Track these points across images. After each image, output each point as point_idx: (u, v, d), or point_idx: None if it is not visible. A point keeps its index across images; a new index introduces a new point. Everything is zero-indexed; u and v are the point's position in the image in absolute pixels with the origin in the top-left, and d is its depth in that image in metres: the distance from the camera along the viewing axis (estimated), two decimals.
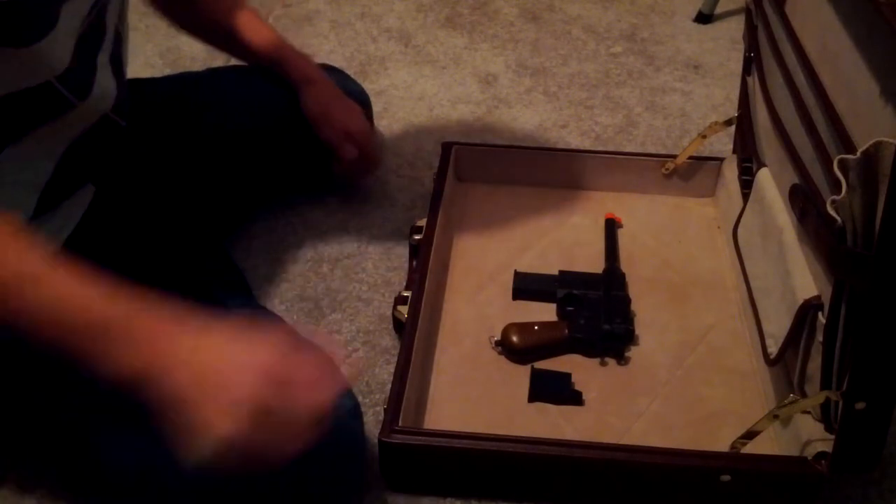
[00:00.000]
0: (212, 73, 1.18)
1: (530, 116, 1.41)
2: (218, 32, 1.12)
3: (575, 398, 0.90)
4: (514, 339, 0.95)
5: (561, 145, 1.33)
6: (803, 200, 0.80)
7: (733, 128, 1.15)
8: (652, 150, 1.33)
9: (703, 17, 1.69)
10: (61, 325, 0.66)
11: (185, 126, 1.05)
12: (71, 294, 0.67)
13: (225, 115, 1.09)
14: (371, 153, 1.16)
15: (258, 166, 1.13)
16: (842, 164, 0.65)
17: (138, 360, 0.65)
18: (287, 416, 0.66)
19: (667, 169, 1.17)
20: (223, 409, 0.64)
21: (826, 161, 0.76)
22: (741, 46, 1.09)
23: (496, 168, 1.19)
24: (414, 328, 0.91)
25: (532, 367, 0.93)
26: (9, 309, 0.66)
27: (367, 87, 1.39)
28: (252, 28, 1.12)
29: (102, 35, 0.83)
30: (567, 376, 0.92)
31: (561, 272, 1.04)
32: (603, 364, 0.95)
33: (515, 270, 1.05)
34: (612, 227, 1.12)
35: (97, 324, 0.66)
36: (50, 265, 0.67)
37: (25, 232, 0.68)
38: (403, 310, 0.94)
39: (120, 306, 0.67)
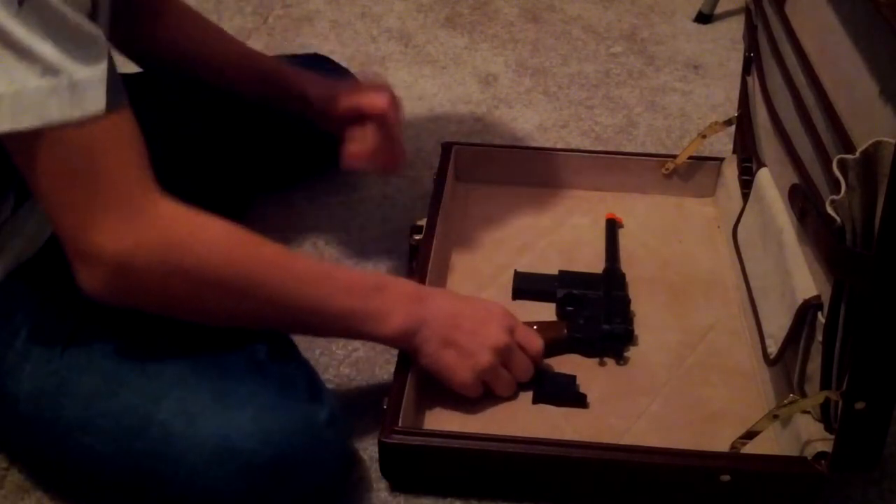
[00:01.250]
0: None
1: (530, 116, 1.41)
2: (188, 59, 1.05)
3: (580, 400, 0.90)
4: None
5: (561, 145, 1.33)
6: (803, 200, 0.80)
7: (733, 128, 1.15)
8: (652, 150, 1.33)
9: (703, 17, 1.69)
10: (347, 296, 0.79)
11: (183, 123, 1.05)
12: (332, 270, 0.83)
13: (224, 113, 1.09)
14: (393, 136, 0.98)
15: (259, 164, 1.13)
16: (841, 164, 0.65)
17: (409, 312, 0.81)
18: (518, 355, 0.86)
19: (667, 169, 1.17)
20: (476, 347, 0.83)
21: (826, 161, 0.76)
22: (741, 46, 1.09)
23: (496, 168, 1.19)
24: None
25: (537, 367, 0.93)
26: (299, 298, 0.77)
27: None
28: (228, 49, 1.07)
29: None
30: (572, 378, 0.92)
31: (561, 272, 1.04)
32: (602, 364, 0.95)
33: (515, 270, 1.05)
34: (612, 227, 1.12)
35: (374, 287, 0.81)
36: (283, 249, 0.78)
37: (233, 226, 0.76)
38: None
39: (371, 274, 0.86)
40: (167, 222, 0.71)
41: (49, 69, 0.64)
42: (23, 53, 0.63)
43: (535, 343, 0.88)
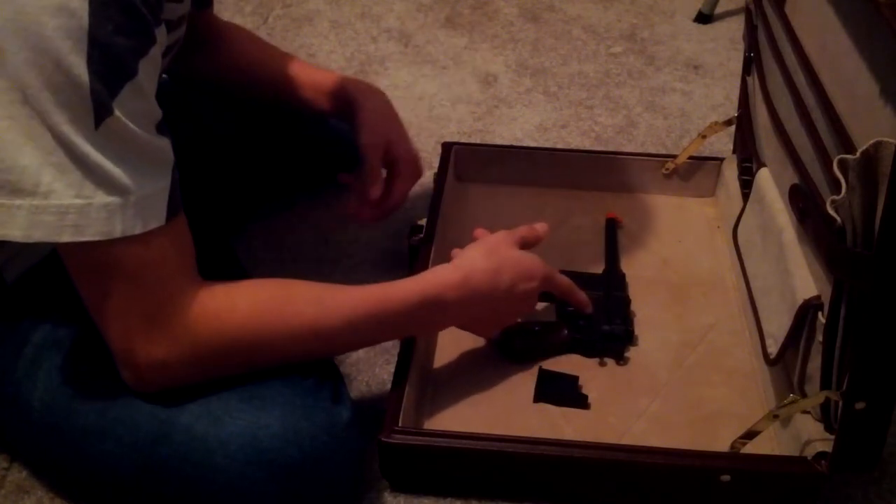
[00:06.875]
0: None
1: (530, 116, 1.41)
2: (250, 81, 1.07)
3: (581, 401, 0.90)
4: (514, 339, 0.94)
5: (561, 145, 1.33)
6: (803, 200, 0.80)
7: (733, 128, 1.15)
8: (652, 150, 1.33)
9: (703, 17, 1.69)
10: (390, 330, 0.82)
11: (188, 126, 1.05)
12: (383, 291, 0.80)
13: (228, 115, 1.09)
14: (399, 191, 1.02)
15: (261, 166, 1.13)
16: (841, 164, 0.65)
17: (458, 312, 0.84)
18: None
19: (667, 169, 1.17)
20: (508, 311, 0.89)
21: (826, 161, 0.76)
22: (741, 46, 1.09)
23: (496, 168, 1.19)
24: None
25: (540, 367, 0.93)
26: (370, 331, 0.80)
27: None
28: (287, 66, 1.06)
29: None
30: (574, 379, 0.92)
31: (561, 272, 1.03)
32: (602, 364, 0.95)
33: None
34: (612, 227, 1.12)
35: (417, 306, 0.81)
36: (315, 295, 0.78)
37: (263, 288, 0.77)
38: None
39: (408, 280, 0.82)
40: (197, 319, 0.72)
41: (118, 189, 0.64)
42: (93, 172, 0.63)
43: (571, 288, 0.94)
